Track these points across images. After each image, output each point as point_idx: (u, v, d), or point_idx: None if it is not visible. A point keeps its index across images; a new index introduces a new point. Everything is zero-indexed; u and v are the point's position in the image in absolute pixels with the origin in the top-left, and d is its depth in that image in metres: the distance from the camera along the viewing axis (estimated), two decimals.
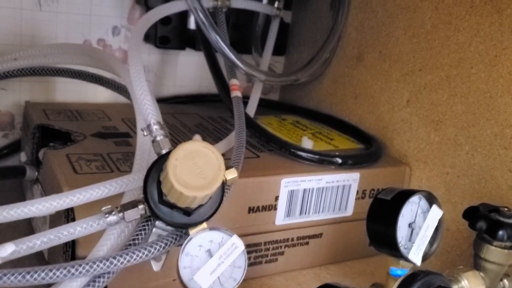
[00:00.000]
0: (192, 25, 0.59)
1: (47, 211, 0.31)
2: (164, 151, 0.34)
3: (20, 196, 0.50)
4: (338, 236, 0.48)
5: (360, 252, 0.51)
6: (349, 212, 0.48)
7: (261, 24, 0.62)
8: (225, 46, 0.50)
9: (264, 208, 0.43)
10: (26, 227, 0.44)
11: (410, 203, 0.31)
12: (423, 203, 0.32)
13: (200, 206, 0.32)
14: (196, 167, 0.28)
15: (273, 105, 0.66)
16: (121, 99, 0.58)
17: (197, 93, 0.65)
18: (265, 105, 0.63)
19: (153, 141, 0.34)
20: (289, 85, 0.66)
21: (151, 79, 0.62)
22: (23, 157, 0.47)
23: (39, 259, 0.40)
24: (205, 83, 0.66)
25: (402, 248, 0.31)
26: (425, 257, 0.31)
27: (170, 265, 0.34)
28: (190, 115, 0.58)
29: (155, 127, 0.34)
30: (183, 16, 0.59)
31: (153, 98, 0.37)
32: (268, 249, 0.44)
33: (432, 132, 0.49)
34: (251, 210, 0.42)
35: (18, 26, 0.54)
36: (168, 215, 0.31)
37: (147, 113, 0.35)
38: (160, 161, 0.32)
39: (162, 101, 0.62)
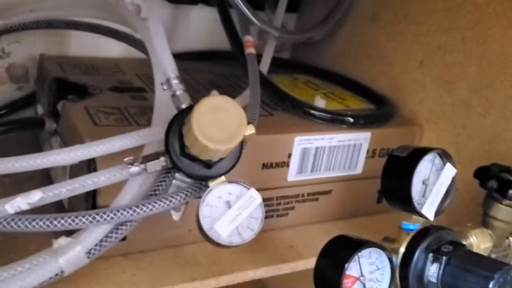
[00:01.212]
0: None
1: (72, 160, 0.32)
2: (183, 106, 0.34)
3: (37, 148, 0.51)
4: (347, 193, 0.49)
5: (368, 209, 0.52)
6: (358, 170, 0.49)
7: None
8: (240, 1, 0.50)
9: (277, 165, 0.44)
10: (44, 178, 0.45)
11: (425, 161, 0.32)
12: (438, 160, 0.33)
13: (220, 159, 0.33)
14: (219, 121, 0.29)
15: (285, 63, 0.66)
16: (133, 53, 0.58)
17: (208, 50, 0.65)
18: (276, 64, 0.63)
19: (173, 96, 0.35)
20: (301, 43, 0.66)
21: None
22: (39, 109, 0.48)
23: (58, 209, 0.42)
24: (216, 40, 0.65)
25: (415, 204, 0.32)
26: (437, 213, 0.33)
27: (186, 216, 0.35)
28: (202, 72, 0.58)
29: (174, 82, 0.35)
30: None
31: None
32: (279, 204, 0.46)
33: (444, 93, 0.50)
34: (264, 166, 0.43)
35: None
36: (189, 167, 0.32)
37: (167, 67, 0.35)
38: (181, 115, 0.33)
39: (173, 57, 0.62)
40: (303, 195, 0.46)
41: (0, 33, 0.48)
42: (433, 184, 0.33)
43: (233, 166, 0.33)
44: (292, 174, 0.45)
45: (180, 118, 0.33)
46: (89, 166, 0.36)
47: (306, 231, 0.47)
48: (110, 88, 0.47)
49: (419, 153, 0.31)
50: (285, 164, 0.44)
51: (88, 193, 0.36)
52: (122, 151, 0.34)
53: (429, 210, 0.32)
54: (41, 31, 0.55)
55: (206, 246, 0.43)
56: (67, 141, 0.41)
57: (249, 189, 0.34)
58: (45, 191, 0.30)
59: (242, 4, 0.50)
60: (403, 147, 0.33)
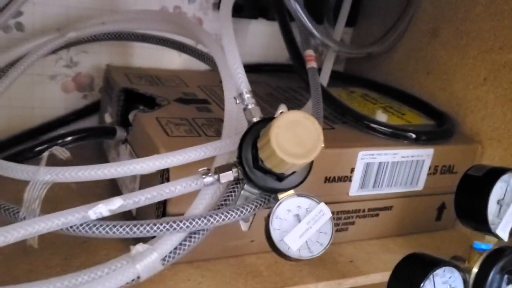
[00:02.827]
0: None
1: (150, 169, 0.33)
2: (255, 119, 0.35)
3: (100, 155, 0.53)
4: (407, 210, 0.49)
5: (427, 226, 0.51)
6: (420, 186, 0.48)
7: None
8: (303, 15, 0.50)
9: (340, 179, 0.44)
10: (108, 183, 0.47)
11: (501, 181, 0.31)
12: None
13: (292, 173, 0.33)
14: (296, 136, 0.30)
15: (340, 76, 0.66)
16: (193, 65, 0.60)
17: (267, 63, 0.66)
18: (332, 76, 0.63)
19: (245, 109, 0.36)
20: (358, 57, 0.66)
21: None
22: (108, 118, 0.50)
23: (125, 216, 0.43)
24: (272, 53, 0.66)
25: (490, 224, 0.31)
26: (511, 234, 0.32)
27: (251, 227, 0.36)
28: (259, 84, 0.59)
29: (247, 96, 0.36)
30: None
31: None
32: (340, 219, 0.46)
33: (509, 111, 0.49)
34: (327, 180, 0.43)
35: None
36: (261, 180, 0.33)
37: (240, 82, 0.36)
38: (254, 128, 0.34)
39: None
40: (363, 210, 0.46)
41: (72, 44, 0.51)
42: (507, 205, 0.32)
43: (304, 180, 0.34)
44: (354, 189, 0.45)
45: (253, 131, 0.33)
46: (162, 175, 0.37)
47: (366, 247, 0.47)
48: (176, 99, 0.48)
49: (495, 173, 0.31)
50: (348, 179, 0.44)
51: (159, 201, 0.38)
52: (194, 162, 0.35)
53: (503, 231, 0.31)
54: (107, 43, 0.57)
55: (267, 257, 0.44)
56: (138, 150, 0.43)
57: (318, 203, 0.34)
58: (125, 199, 0.32)
59: (304, 17, 0.51)
60: (478, 167, 0.32)
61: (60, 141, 0.41)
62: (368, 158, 0.44)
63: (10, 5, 0.50)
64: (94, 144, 0.55)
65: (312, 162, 0.34)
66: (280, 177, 0.33)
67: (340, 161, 0.44)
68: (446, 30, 0.56)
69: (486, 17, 0.51)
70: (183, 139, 0.40)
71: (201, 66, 0.56)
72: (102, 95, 0.58)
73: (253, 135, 0.33)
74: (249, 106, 0.36)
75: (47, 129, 0.56)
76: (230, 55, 0.37)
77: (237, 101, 0.36)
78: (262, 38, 0.66)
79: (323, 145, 0.33)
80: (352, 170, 0.44)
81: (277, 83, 0.61)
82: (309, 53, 0.51)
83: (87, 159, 0.52)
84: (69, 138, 0.41)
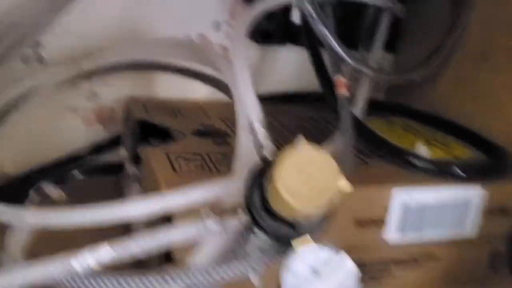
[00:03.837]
0: (295, 19, 0.56)
1: (139, 214, 0.29)
2: (267, 154, 0.31)
3: (119, 192, 0.49)
4: (455, 258, 0.42)
5: (478, 276, 0.44)
6: (468, 231, 0.42)
7: (370, 17, 0.57)
8: (332, 39, 0.46)
9: (373, 223, 0.38)
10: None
11: None
12: None
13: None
14: (309, 177, 0.25)
15: (379, 105, 0.61)
16: (219, 96, 0.57)
17: (295, 92, 0.62)
18: (369, 105, 0.58)
19: (255, 143, 0.32)
20: (398, 85, 0.61)
21: None
22: (122, 152, 0.47)
23: None
24: (305, 81, 0.62)
25: None
26: None
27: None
28: (289, 115, 0.55)
29: (258, 127, 0.32)
30: (286, 9, 0.55)
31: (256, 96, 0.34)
32: (374, 268, 0.40)
33: None
34: (358, 223, 0.38)
35: (121, 20, 0.53)
36: (271, 226, 0.28)
37: (250, 111, 0.32)
38: (264, 165, 0.29)
39: (259, 99, 0.60)
40: (402, 259, 0.40)
41: (89, 75, 0.48)
42: None
43: (323, 226, 0.29)
44: (391, 234, 0.39)
45: (263, 169, 0.29)
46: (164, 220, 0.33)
47: None
48: (193, 132, 0.45)
49: None
50: (382, 222, 0.39)
51: None
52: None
53: None
54: (130, 74, 0.55)
55: None
56: (145, 189, 0.39)
57: (340, 254, 0.29)
58: (116, 248, 0.28)
59: (333, 41, 0.46)
60: None
61: (61, 177, 0.38)
62: (406, 197, 0.39)
63: (28, 34, 0.48)
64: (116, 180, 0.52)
65: (336, 204, 0.29)
66: (293, 224, 0.28)
67: (373, 201, 0.38)
68: (497, 53, 0.50)
69: None
70: (191, 176, 0.36)
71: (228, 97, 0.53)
72: (123, 128, 0.55)
73: (263, 173, 0.29)
74: (261, 139, 0.31)
75: (66, 163, 0.54)
76: (239, 81, 0.33)
77: (247, 133, 0.32)
78: (294, 66, 0.61)
79: (348, 188, 0.28)
80: (388, 212, 0.39)
81: (310, 113, 0.56)
82: (339, 79, 0.46)
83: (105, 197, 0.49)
84: (71, 174, 0.38)
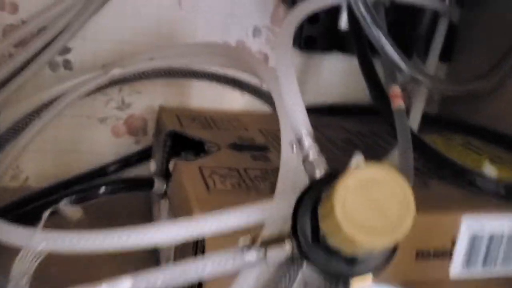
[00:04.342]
0: (343, 24, 0.51)
1: (166, 241, 0.25)
2: (318, 174, 0.26)
3: (146, 212, 0.45)
4: None
5: None
6: None
7: (426, 23, 0.52)
8: (388, 44, 0.41)
9: (437, 255, 0.33)
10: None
11: None
12: None
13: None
14: (374, 202, 0.20)
15: (434, 120, 0.55)
16: (258, 107, 0.52)
17: (343, 103, 0.57)
18: (424, 120, 0.53)
19: (304, 160, 0.27)
20: (452, 96, 0.55)
21: None
22: (152, 166, 0.43)
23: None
24: (352, 93, 0.57)
25: None
26: None
27: None
28: (335, 128, 0.50)
29: (307, 142, 0.27)
30: (333, 14, 0.51)
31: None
32: None
33: None
34: (419, 256, 0.33)
35: (156, 25, 0.50)
36: (324, 260, 0.23)
37: (298, 123, 0.28)
38: (315, 186, 0.24)
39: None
40: None
41: (118, 82, 0.45)
42: None
43: (387, 262, 0.24)
44: (457, 268, 0.33)
45: (314, 191, 0.24)
46: (196, 244, 0.28)
47: None
48: (229, 145, 0.40)
49: None
50: (448, 254, 0.33)
51: None
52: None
53: None
54: (162, 82, 0.51)
55: None
56: (174, 206, 0.35)
57: None
58: (137, 280, 0.23)
59: (389, 46, 0.41)
60: None
61: (85, 193, 0.34)
62: (476, 226, 0.33)
63: (56, 40, 0.45)
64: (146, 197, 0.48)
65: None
66: (353, 259, 0.23)
67: (437, 230, 0.33)
68: None
69: None
70: (226, 195, 0.31)
71: (268, 107, 0.49)
72: (153, 140, 0.51)
73: (314, 196, 0.24)
74: (310, 156, 0.27)
75: (95, 176, 0.51)
76: (285, 89, 0.28)
77: (294, 148, 0.27)
78: (340, 75, 0.57)
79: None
80: (454, 243, 0.33)
81: (357, 127, 0.51)
82: (395, 90, 0.41)
83: (133, 217, 0.45)
84: (95, 190, 0.34)
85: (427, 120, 0.54)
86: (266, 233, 0.26)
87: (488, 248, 0.34)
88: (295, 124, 0.27)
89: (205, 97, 0.53)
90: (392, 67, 0.43)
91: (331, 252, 0.23)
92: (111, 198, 0.36)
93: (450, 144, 0.47)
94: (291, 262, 0.26)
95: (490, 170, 0.39)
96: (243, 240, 0.25)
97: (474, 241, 0.33)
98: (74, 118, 0.50)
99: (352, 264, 0.23)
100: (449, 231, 0.33)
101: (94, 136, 0.51)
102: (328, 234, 0.22)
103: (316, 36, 0.51)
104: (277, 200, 0.27)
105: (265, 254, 0.24)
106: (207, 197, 0.31)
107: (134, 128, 0.52)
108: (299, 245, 0.24)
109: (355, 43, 0.46)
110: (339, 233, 0.20)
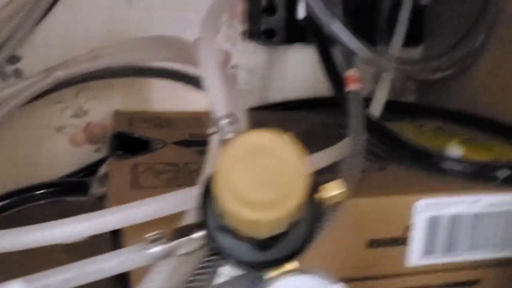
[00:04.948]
0: (301, 14, 0.49)
1: (73, 237, 0.23)
2: None
3: None
4: (502, 285, 0.33)
5: None
6: None
7: (388, 6, 0.49)
8: (340, 29, 0.39)
9: (391, 242, 0.30)
10: None
11: None
12: None
13: (283, 235, 0.21)
14: (263, 173, 0.18)
15: (408, 108, 0.53)
16: None
17: (310, 97, 0.54)
18: (397, 109, 0.50)
19: (223, 141, 0.25)
20: (428, 83, 0.52)
21: (256, 83, 0.53)
22: (102, 171, 0.41)
23: None
24: (321, 85, 0.55)
25: None
26: None
27: None
28: (298, 122, 0.48)
29: (224, 122, 0.25)
30: (290, 4, 0.49)
31: (227, 87, 0.27)
32: None
33: None
34: (371, 244, 0.30)
35: (108, 26, 0.48)
36: (232, 248, 0.21)
37: (215, 104, 0.25)
38: None
39: (270, 108, 0.53)
40: (432, 287, 0.32)
41: (66, 85, 0.43)
42: None
43: (304, 247, 0.21)
44: (415, 256, 0.31)
45: None
46: (113, 239, 0.26)
47: None
48: (176, 142, 0.38)
49: None
50: (403, 242, 0.30)
51: None
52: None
53: None
54: (119, 86, 0.49)
55: None
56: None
57: (334, 284, 0.21)
58: (29, 282, 0.21)
59: (341, 30, 0.39)
60: None
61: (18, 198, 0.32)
62: (433, 209, 0.30)
63: (2, 49, 0.44)
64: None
65: (319, 218, 0.21)
66: (260, 243, 0.20)
67: (390, 215, 0.30)
68: None
69: None
70: (153, 191, 0.29)
71: None
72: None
73: None
74: (228, 136, 0.24)
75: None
76: (205, 70, 0.26)
77: (214, 131, 0.25)
78: (306, 68, 0.54)
79: (342, 190, 0.21)
80: (409, 228, 0.30)
81: (324, 119, 0.49)
82: (350, 73, 0.39)
83: None
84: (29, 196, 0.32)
85: (401, 108, 0.52)
86: (184, 223, 0.24)
87: (449, 232, 0.31)
88: (212, 104, 0.25)
89: (167, 99, 0.51)
90: (347, 53, 0.41)
91: (239, 237, 0.20)
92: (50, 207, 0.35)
93: (421, 130, 0.44)
94: (211, 254, 0.23)
95: (455, 150, 0.37)
96: (150, 234, 0.22)
97: (432, 225, 0.31)
98: (29, 129, 0.49)
99: (263, 248, 0.21)
100: (405, 216, 0.30)
101: (52, 146, 0.50)
102: (223, 215, 0.19)
103: (275, 28, 0.49)
104: (196, 189, 0.25)
105: (174, 247, 0.22)
106: (128, 193, 0.28)
107: (93, 136, 0.51)
108: (209, 233, 0.21)
109: (312, 32, 0.44)
110: (228, 212, 0.18)
